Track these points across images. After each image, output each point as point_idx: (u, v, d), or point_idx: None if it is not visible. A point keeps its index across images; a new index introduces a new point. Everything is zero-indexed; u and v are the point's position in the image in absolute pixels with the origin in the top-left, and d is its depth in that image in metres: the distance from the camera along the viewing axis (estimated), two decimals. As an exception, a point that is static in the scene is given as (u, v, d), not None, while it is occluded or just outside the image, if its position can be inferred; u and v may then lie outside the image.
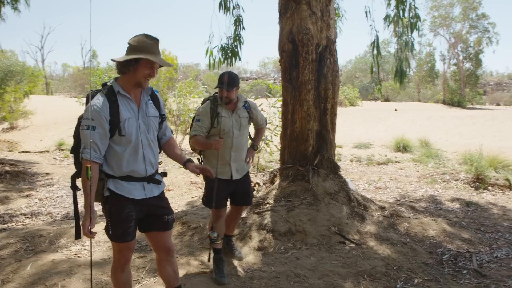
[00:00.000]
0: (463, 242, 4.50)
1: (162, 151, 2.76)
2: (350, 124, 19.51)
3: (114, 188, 2.40)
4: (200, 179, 7.71)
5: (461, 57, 42.49)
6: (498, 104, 46.03)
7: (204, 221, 4.75)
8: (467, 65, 42.40)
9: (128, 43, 2.42)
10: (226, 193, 3.70)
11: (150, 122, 2.53)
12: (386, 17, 5.77)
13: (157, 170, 2.63)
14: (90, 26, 2.31)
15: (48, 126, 19.65)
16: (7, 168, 8.09)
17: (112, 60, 2.43)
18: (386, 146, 12.75)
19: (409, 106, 34.56)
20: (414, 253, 4.10)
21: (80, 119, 2.48)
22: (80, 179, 2.40)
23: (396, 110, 28.27)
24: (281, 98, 8.56)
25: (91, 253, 2.49)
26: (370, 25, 5.38)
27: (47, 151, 13.06)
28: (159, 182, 2.61)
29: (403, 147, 12.01)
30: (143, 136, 2.48)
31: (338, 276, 3.60)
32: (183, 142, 13.07)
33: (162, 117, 2.65)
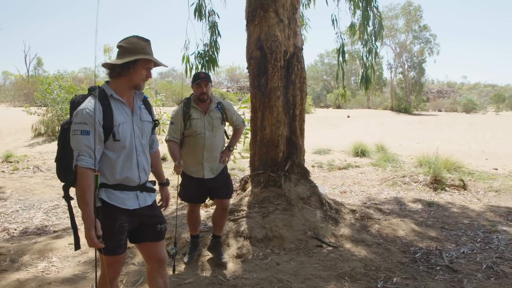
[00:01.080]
0: (431, 240, 4.69)
1: None
2: (307, 130, 19.76)
3: (107, 198, 2.27)
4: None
5: (406, 66, 44.84)
6: (440, 110, 48.96)
7: (178, 231, 4.61)
8: (412, 73, 44.79)
9: (120, 46, 2.32)
10: (201, 190, 3.87)
11: (144, 127, 2.43)
12: (351, 26, 5.96)
13: (148, 178, 2.54)
14: (96, 25, 2.18)
15: (-9, 137, 18.37)
16: (-48, 183, 7.46)
17: (105, 64, 2.32)
18: (344, 152, 13.11)
19: (360, 112, 35.89)
20: (389, 253, 4.22)
21: (64, 125, 2.33)
22: (72, 188, 2.27)
23: (349, 116, 29.25)
24: (244, 105, 8.62)
25: (95, 264, 2.32)
26: (336, 33, 5.53)
27: (-6, 164, 12.18)
28: (153, 190, 2.51)
29: (361, 152, 12.42)
30: (137, 141, 2.38)
31: (320, 280, 3.62)
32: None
33: (155, 123, 2.56)
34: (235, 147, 4.12)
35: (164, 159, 12.31)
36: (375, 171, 10.15)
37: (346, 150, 13.25)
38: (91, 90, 2.30)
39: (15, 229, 5.44)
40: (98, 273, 2.39)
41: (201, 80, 3.65)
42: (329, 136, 18.66)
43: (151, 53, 2.33)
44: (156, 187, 2.64)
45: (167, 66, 2.46)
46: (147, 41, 2.35)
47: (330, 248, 4.29)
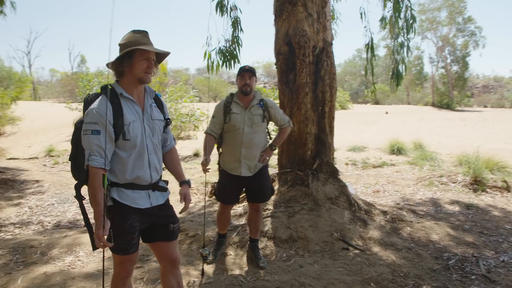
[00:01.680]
0: (467, 246, 4.42)
1: (164, 162, 2.60)
2: (343, 127, 19.46)
3: (118, 197, 2.25)
4: (194, 185, 7.56)
5: (448, 60, 42.98)
6: (485, 106, 46.61)
7: (202, 228, 4.59)
8: (455, 68, 42.87)
9: (119, 44, 2.30)
10: (237, 189, 3.81)
11: (155, 125, 2.39)
12: (382, 19, 5.70)
13: (161, 177, 2.49)
14: (111, 24, 2.16)
15: (36, 132, 19.28)
16: (-5, 176, 7.84)
17: (108, 65, 2.29)
18: (380, 149, 12.71)
19: (399, 109, 34.80)
20: (420, 258, 4.00)
21: (77, 124, 2.33)
22: (83, 188, 2.26)
23: (387, 113, 28.39)
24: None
25: (103, 264, 2.31)
26: (365, 27, 5.29)
27: (36, 158, 12.75)
28: (164, 190, 2.47)
29: (397, 150, 11.97)
30: (148, 140, 2.34)
31: (344, 285, 3.47)
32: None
33: (167, 121, 2.51)
34: (277, 147, 3.98)
35: (197, 154, 12.43)
36: (411, 170, 9.76)
37: (382, 148, 12.83)
38: (104, 89, 2.28)
39: (49, 222, 5.62)
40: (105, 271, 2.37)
41: (244, 71, 3.62)
42: (365, 133, 18.19)
43: (147, 43, 2.27)
44: (169, 186, 2.60)
45: (169, 53, 2.39)
46: (142, 33, 2.30)
47: (357, 251, 4.12)
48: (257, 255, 3.87)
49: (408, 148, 12.30)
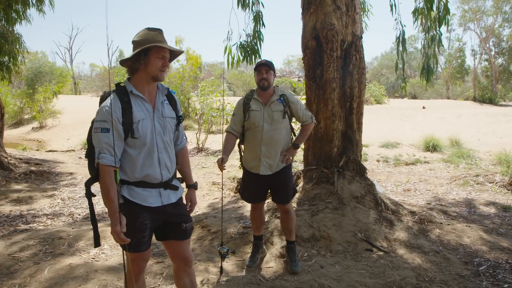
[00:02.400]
0: (501, 251, 4.17)
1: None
2: (376, 122, 19.01)
3: (128, 195, 2.26)
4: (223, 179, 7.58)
5: (493, 52, 40.94)
6: (531, 101, 44.15)
7: (225, 225, 4.59)
8: (500, 60, 40.82)
9: (133, 41, 2.28)
10: (259, 188, 3.71)
11: (166, 123, 2.37)
12: (415, 11, 5.45)
13: (174, 175, 2.48)
14: (106, 21, 2.17)
15: (75, 125, 20.05)
16: (32, 168, 8.18)
17: (121, 62, 2.30)
18: (414, 146, 12.30)
19: (437, 103, 33.55)
20: (448, 263, 3.82)
21: (93, 121, 2.36)
22: (93, 185, 2.28)
23: (424, 108, 27.45)
24: (304, 97, 8.38)
25: (124, 260, 2.34)
26: (396, 19, 5.07)
27: (73, 150, 13.25)
28: (176, 188, 2.45)
29: (432, 147, 11.54)
30: (159, 138, 2.33)
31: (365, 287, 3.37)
32: (206, 141, 13.00)
33: (179, 119, 2.49)
34: (301, 146, 3.83)
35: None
36: (446, 168, 9.38)
37: (416, 144, 12.41)
38: (118, 86, 2.29)
39: (79, 214, 5.81)
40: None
41: (261, 65, 3.52)
42: (399, 128, 17.65)
43: (162, 41, 2.25)
44: (184, 185, 2.59)
45: (182, 51, 2.36)
46: (157, 30, 2.28)
47: (381, 253, 3.99)
48: (292, 257, 3.74)
49: (444, 145, 11.83)
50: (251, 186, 3.73)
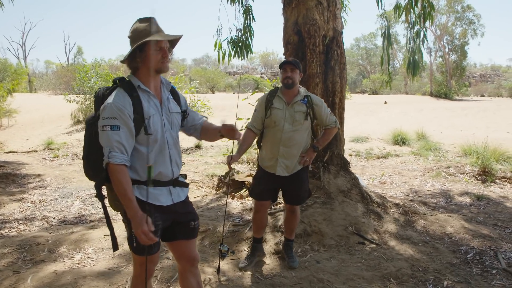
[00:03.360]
0: (483, 239, 4.34)
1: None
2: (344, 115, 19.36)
3: (139, 194, 2.12)
4: (199, 177, 7.45)
5: (447, 49, 42.77)
6: (482, 96, 46.62)
7: (213, 223, 4.50)
8: (453, 57, 42.70)
9: (128, 37, 2.15)
10: (271, 187, 3.58)
11: (173, 119, 2.26)
12: (396, 7, 5.55)
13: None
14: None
15: (34, 125, 19.09)
16: (-4, 170, 7.69)
17: (123, 62, 2.17)
18: (383, 140, 12.63)
19: (398, 98, 34.64)
20: (437, 252, 3.92)
21: (89, 121, 2.19)
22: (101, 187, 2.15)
23: (386, 102, 28.28)
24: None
25: (146, 265, 2.18)
26: (381, 14, 5.13)
27: (35, 151, 12.59)
28: (186, 185, 2.36)
29: (400, 140, 11.90)
30: (168, 134, 2.21)
31: (364, 280, 3.39)
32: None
33: (184, 114, 2.38)
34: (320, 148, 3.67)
35: (198, 146, 12.29)
36: (416, 160, 9.69)
37: (385, 138, 12.75)
38: (116, 82, 2.15)
39: (54, 218, 5.51)
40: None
41: (286, 64, 3.41)
42: (366, 123, 18.09)
43: (156, 31, 2.12)
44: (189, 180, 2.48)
45: (181, 36, 2.23)
46: (148, 20, 2.13)
47: (373, 245, 4.04)
48: (289, 254, 3.71)
49: (411, 138, 12.22)
50: (263, 184, 3.56)
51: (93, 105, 2.25)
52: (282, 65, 3.45)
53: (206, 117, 2.54)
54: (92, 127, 2.14)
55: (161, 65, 2.16)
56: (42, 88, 47.03)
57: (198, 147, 12.55)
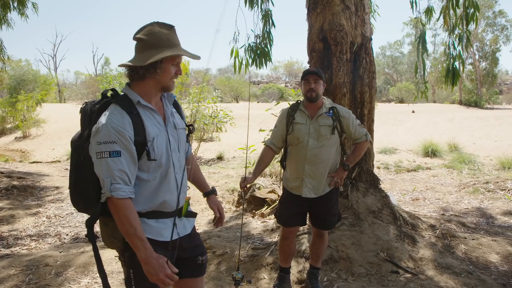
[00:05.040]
0: (536, 269, 3.82)
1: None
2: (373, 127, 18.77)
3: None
4: (220, 192, 7.14)
5: (477, 57, 41.44)
6: (515, 104, 44.81)
7: (231, 246, 4.15)
8: (483, 64, 41.33)
9: (139, 39, 1.81)
10: (298, 211, 3.19)
11: (180, 136, 1.95)
12: (427, 10, 5.13)
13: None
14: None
15: (60, 134, 19.38)
16: (15, 183, 7.60)
17: (123, 66, 1.82)
18: (412, 151, 12.05)
19: (425, 107, 33.70)
20: (484, 285, 3.44)
21: (74, 142, 1.86)
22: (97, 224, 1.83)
23: (413, 111, 27.47)
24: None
25: None
26: (416, 17, 4.71)
27: (59, 161, 12.63)
28: (194, 215, 2.04)
29: (431, 152, 11.29)
30: (174, 156, 1.89)
31: (400, 319, 2.97)
32: (198, 150, 12.53)
33: (189, 129, 2.06)
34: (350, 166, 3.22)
35: (220, 158, 12.03)
36: (449, 174, 9.09)
37: (414, 149, 12.16)
38: (106, 96, 1.83)
39: (67, 234, 5.29)
40: None
41: (309, 74, 3.05)
42: (393, 133, 17.46)
43: (178, 44, 1.82)
44: (197, 207, 2.15)
45: (199, 58, 1.91)
46: (171, 28, 1.83)
47: (408, 275, 3.60)
48: (314, 284, 3.34)
49: (442, 149, 11.59)
50: (289, 208, 3.20)
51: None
52: (304, 76, 3.09)
53: (190, 148, 2.24)
54: (79, 149, 1.83)
55: (171, 83, 1.86)
56: (71, 98, 48.25)
57: (220, 158, 12.29)
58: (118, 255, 1.93)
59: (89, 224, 1.78)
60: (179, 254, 1.95)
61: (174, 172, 1.90)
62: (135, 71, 1.80)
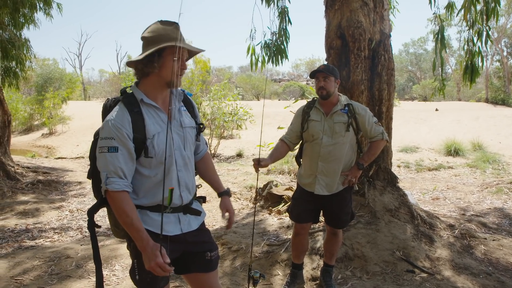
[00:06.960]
0: (558, 271, 3.72)
1: (198, 174, 2.20)
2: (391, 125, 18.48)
3: (142, 221, 1.86)
4: (238, 189, 7.19)
5: (505, 53, 40.19)
6: (545, 102, 43.22)
7: (246, 242, 4.19)
8: (512, 60, 40.08)
9: (143, 37, 1.87)
10: (310, 207, 3.20)
11: (186, 134, 1.97)
12: (448, 6, 5.03)
13: (195, 195, 2.09)
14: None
15: (85, 131, 19.83)
16: (40, 177, 7.86)
17: (129, 64, 1.89)
18: (434, 150, 11.83)
19: (450, 105, 32.90)
20: (503, 287, 3.37)
21: (96, 135, 1.94)
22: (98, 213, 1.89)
23: (437, 110, 26.88)
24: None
25: None
26: (434, 13, 4.62)
27: (82, 157, 12.95)
28: (198, 213, 2.06)
29: (454, 151, 11.05)
30: (178, 154, 1.93)
31: (414, 318, 2.94)
32: (218, 147, 12.63)
33: (199, 127, 2.08)
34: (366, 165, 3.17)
35: (240, 155, 12.09)
36: (472, 173, 8.89)
37: (436, 148, 11.93)
38: (123, 93, 1.90)
39: (88, 228, 5.44)
40: None
41: (318, 72, 3.03)
42: (415, 131, 17.14)
43: (177, 38, 1.83)
44: (206, 205, 2.19)
45: (203, 50, 1.94)
46: (172, 24, 1.85)
47: (425, 275, 3.56)
48: (328, 281, 3.35)
49: (465, 148, 11.34)
50: (302, 204, 3.22)
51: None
52: (314, 74, 3.08)
53: (208, 147, 2.26)
54: (96, 142, 1.90)
55: (176, 78, 1.89)
56: (95, 96, 49.30)
57: (239, 155, 12.36)
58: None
59: (90, 213, 1.89)
60: (187, 248, 2.00)
61: (176, 170, 1.93)
62: (138, 69, 1.86)
